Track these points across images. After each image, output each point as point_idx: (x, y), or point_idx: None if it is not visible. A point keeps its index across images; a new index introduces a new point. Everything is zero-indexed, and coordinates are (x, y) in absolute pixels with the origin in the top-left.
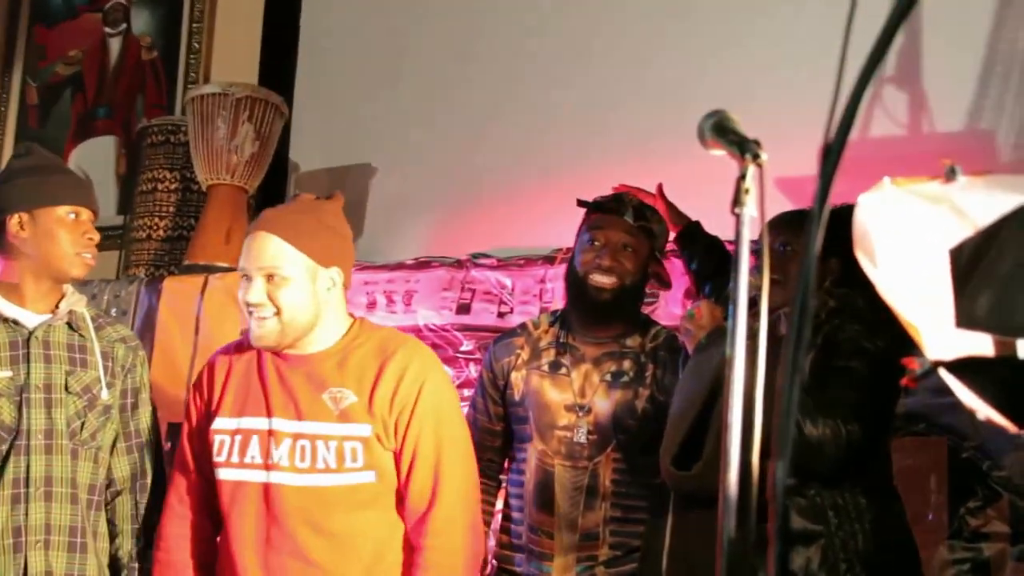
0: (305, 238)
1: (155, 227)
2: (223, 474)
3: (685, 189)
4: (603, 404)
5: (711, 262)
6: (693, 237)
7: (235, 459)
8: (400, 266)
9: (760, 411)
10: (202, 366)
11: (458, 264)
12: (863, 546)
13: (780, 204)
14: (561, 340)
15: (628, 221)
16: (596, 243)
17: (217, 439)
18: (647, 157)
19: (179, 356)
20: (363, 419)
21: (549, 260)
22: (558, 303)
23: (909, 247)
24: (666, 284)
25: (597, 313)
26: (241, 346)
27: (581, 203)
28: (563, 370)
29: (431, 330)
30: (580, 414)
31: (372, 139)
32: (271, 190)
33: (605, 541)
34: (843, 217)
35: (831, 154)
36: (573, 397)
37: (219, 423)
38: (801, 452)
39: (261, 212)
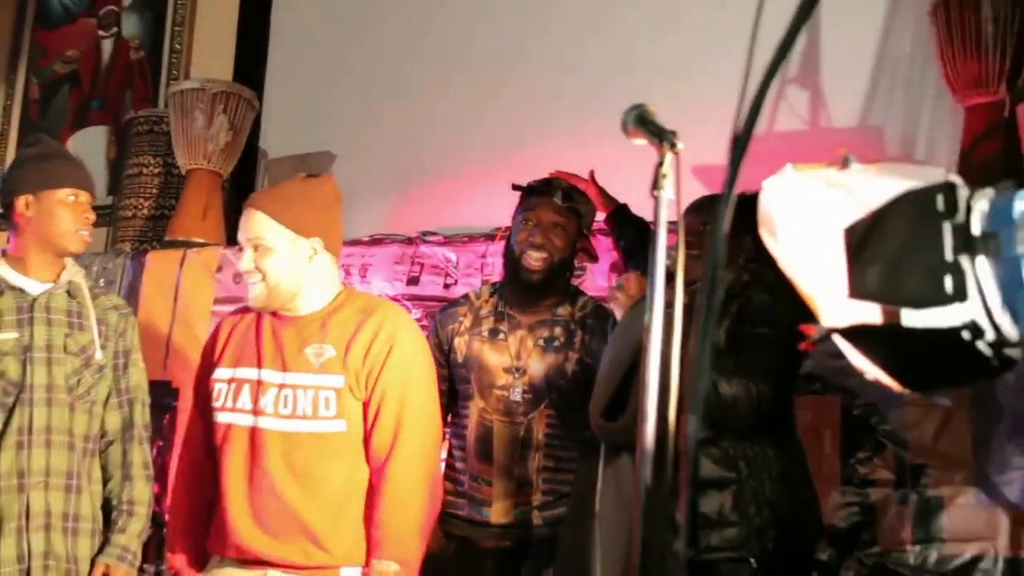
0: (286, 212)
1: (140, 207)
2: (220, 417)
3: (614, 173)
4: (537, 366)
5: (638, 240)
6: (622, 218)
7: (229, 404)
8: (357, 242)
9: (677, 372)
10: (214, 329)
11: (408, 241)
12: (770, 493)
13: (695, 188)
14: (499, 309)
15: (557, 202)
16: (529, 223)
17: (216, 387)
18: (579, 144)
19: (160, 321)
20: (338, 370)
21: (490, 237)
22: (497, 276)
23: (808, 226)
24: (593, 257)
25: (530, 289)
26: (247, 310)
27: (516, 187)
28: (501, 336)
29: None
30: (516, 375)
31: (333, 128)
32: (243, 174)
33: (538, 488)
34: (756, 201)
35: (739, 143)
36: (510, 360)
37: (218, 372)
38: (717, 409)
39: (252, 193)
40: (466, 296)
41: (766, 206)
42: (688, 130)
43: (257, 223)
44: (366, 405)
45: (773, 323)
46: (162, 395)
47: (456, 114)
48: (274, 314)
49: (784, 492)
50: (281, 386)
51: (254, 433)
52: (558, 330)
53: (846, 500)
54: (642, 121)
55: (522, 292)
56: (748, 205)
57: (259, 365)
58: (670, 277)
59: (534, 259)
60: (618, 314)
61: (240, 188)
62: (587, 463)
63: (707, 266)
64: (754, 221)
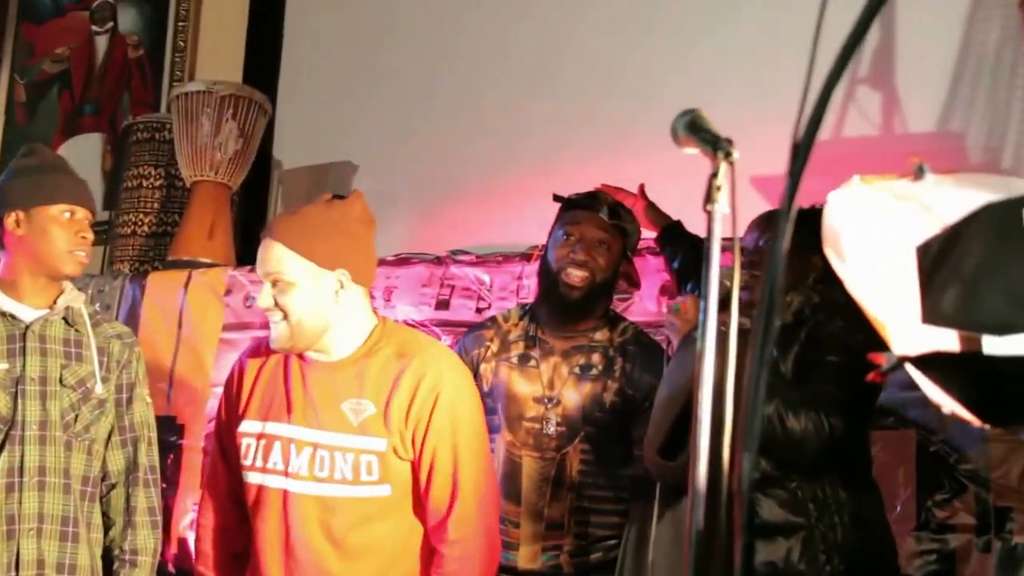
0: (306, 242)
1: (140, 223)
2: (250, 477)
3: (662, 186)
4: (572, 396)
5: (693, 260)
6: (674, 236)
7: (259, 463)
8: (380, 262)
9: (731, 405)
10: (233, 364)
11: (437, 261)
12: (842, 538)
13: (752, 201)
14: (531, 333)
15: (603, 218)
16: (571, 238)
17: (244, 442)
18: (623, 155)
19: (162, 349)
20: (380, 432)
21: (526, 257)
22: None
23: (877, 244)
24: (635, 283)
25: (568, 308)
26: (271, 348)
27: (557, 198)
28: (532, 362)
29: (410, 325)
30: (549, 406)
31: (354, 137)
32: (254, 187)
33: (570, 531)
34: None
35: (800, 152)
36: (542, 389)
37: (246, 426)
38: (784, 445)
39: (274, 217)
40: (493, 319)
41: (831, 221)
42: (745, 138)
43: (276, 256)
44: (415, 464)
45: (846, 350)
46: (166, 432)
47: (489, 123)
48: (301, 356)
49: (858, 538)
50: (316, 446)
51: (287, 497)
52: (596, 357)
53: (922, 547)
54: (694, 128)
55: (559, 312)
56: (817, 220)
57: (291, 420)
58: (726, 300)
59: (575, 276)
60: (674, 341)
61: (251, 202)
62: (640, 508)
63: (763, 288)
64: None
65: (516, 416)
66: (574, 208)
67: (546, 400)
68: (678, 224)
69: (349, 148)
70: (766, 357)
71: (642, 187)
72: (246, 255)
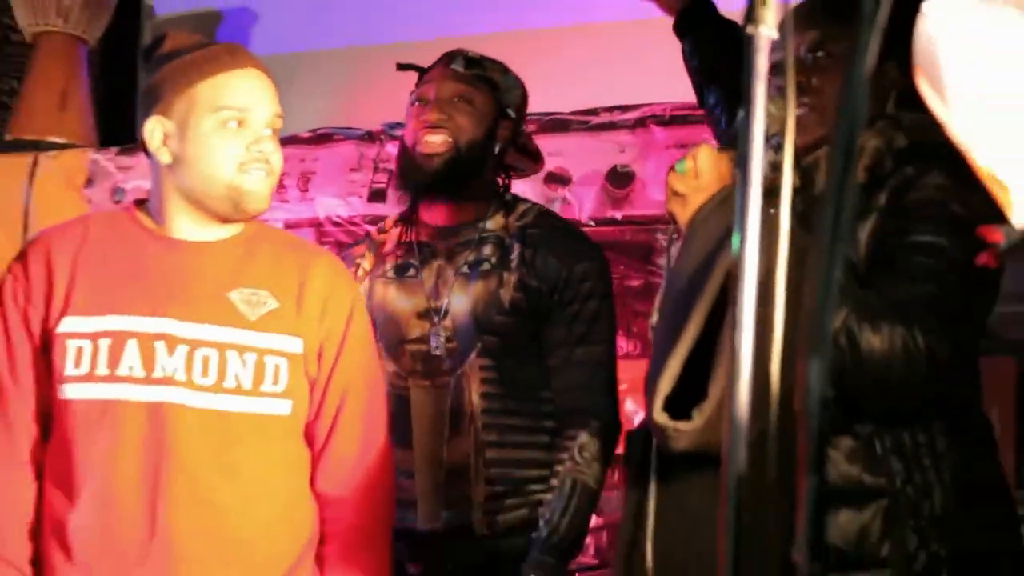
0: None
1: None
2: (81, 392)
3: None
4: (460, 301)
5: (722, 56)
6: (697, 18)
7: (102, 370)
8: (293, 140)
9: (782, 313)
10: (25, 250)
11: (369, 137)
12: (942, 508)
13: None
14: (406, 239)
15: (458, 69)
16: (422, 102)
17: (71, 345)
18: None
19: (1, 261)
20: (290, 330)
21: None
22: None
23: (995, 74)
24: (533, 155)
25: (434, 184)
26: (92, 223)
27: (402, 66)
28: (411, 272)
29: (335, 224)
30: (435, 320)
31: None
32: (118, 40)
33: (480, 477)
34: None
35: None
36: (425, 301)
37: (71, 324)
38: (856, 373)
39: (225, 45)
40: (367, 233)
41: (928, 43)
42: None
43: (273, 95)
44: (313, 384)
45: (954, 223)
46: None
47: None
48: (152, 232)
49: (965, 508)
50: (196, 343)
51: (157, 412)
52: (488, 249)
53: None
54: None
55: (426, 195)
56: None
57: (152, 311)
58: (774, 148)
59: (431, 143)
60: (680, 222)
61: (114, 60)
62: (637, 488)
63: (839, 122)
64: (904, 38)
65: (397, 340)
66: (424, 72)
67: (432, 313)
68: (703, 2)
69: None
70: (842, 228)
71: None
72: (110, 132)
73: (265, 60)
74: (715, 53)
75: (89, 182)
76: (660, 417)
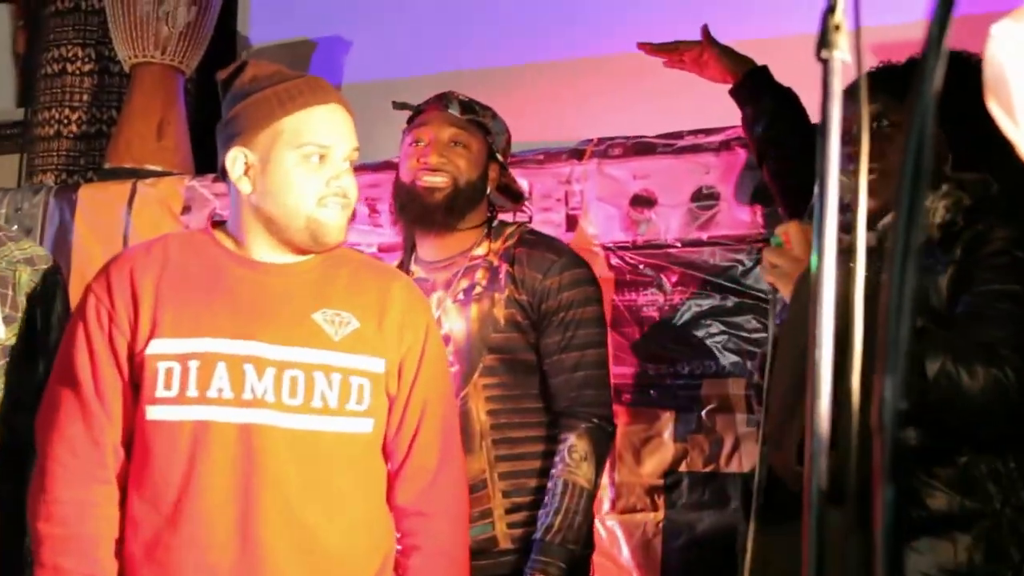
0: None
1: (65, 121)
2: (172, 414)
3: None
4: (459, 326)
5: (784, 123)
6: (759, 87)
7: (192, 392)
8: (386, 166)
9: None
10: (106, 273)
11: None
12: None
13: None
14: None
15: (454, 114)
16: (419, 144)
17: (161, 367)
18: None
19: None
20: (374, 351)
21: (576, 155)
22: (589, 207)
23: None
24: (517, 195)
25: (433, 217)
26: (172, 243)
27: (398, 105)
28: None
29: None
30: None
31: (346, 3)
32: (213, 71)
33: (496, 489)
34: (963, 68)
35: None
36: None
37: (159, 346)
38: (962, 412)
39: (306, 79)
40: None
41: (997, 64)
42: None
43: (351, 129)
44: (392, 402)
45: (1022, 272)
46: None
47: None
48: (234, 255)
49: None
50: (283, 365)
51: (248, 434)
52: (479, 274)
53: None
54: None
55: (426, 223)
56: (961, 71)
57: (240, 334)
58: (845, 210)
59: (432, 181)
60: (783, 292)
61: (212, 90)
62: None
63: (903, 173)
64: (962, 103)
65: None
66: (420, 112)
67: None
68: (763, 70)
69: (340, 18)
70: (912, 245)
71: (705, 29)
72: (207, 160)
73: (356, 88)
74: (776, 120)
75: (186, 209)
76: (791, 465)
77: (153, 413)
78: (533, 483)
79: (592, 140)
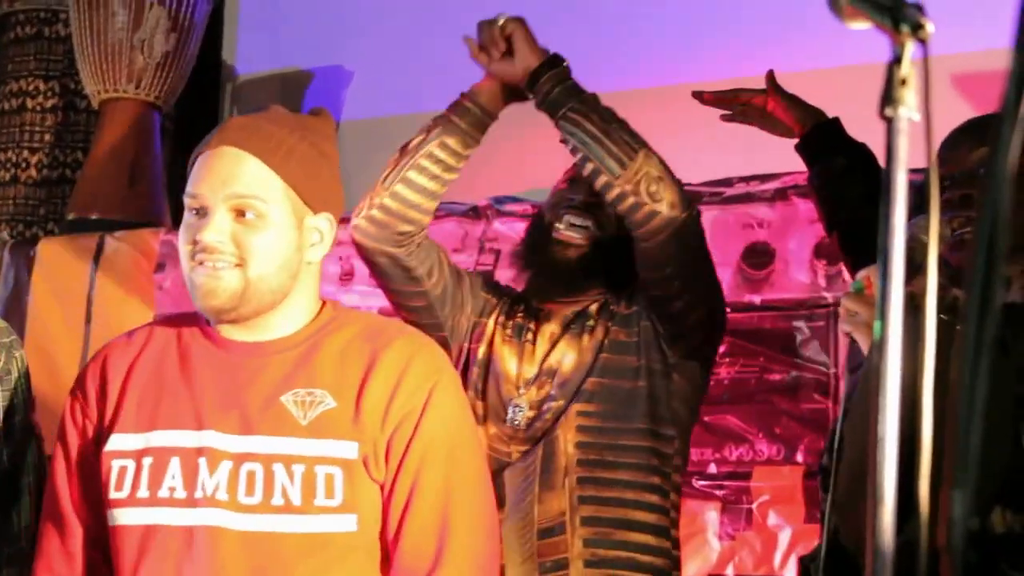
0: (294, 165)
1: (23, 164)
2: (124, 517)
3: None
4: (569, 358)
5: (855, 179)
6: (828, 141)
7: (143, 493)
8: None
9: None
10: (89, 363)
11: (475, 213)
12: None
13: (955, 107)
14: (527, 312)
15: None
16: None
17: (115, 465)
18: (752, 41)
19: (62, 354)
20: (345, 433)
21: None
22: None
23: None
24: None
25: (560, 276)
26: (159, 328)
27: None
28: (528, 335)
29: None
30: (539, 385)
31: (340, 33)
32: (195, 106)
33: (576, 536)
34: None
35: None
36: (535, 366)
37: (116, 441)
38: None
39: (224, 122)
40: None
41: None
42: (941, 7)
43: (250, 174)
44: (388, 491)
45: None
46: None
47: (537, 9)
48: (209, 335)
49: None
50: (241, 458)
51: (195, 538)
52: (593, 307)
53: None
54: None
55: (552, 280)
56: None
57: (198, 424)
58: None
59: (572, 236)
60: (862, 344)
61: (191, 127)
62: None
63: (977, 242)
64: None
65: (502, 402)
66: None
67: (542, 377)
68: (835, 122)
69: (333, 47)
70: (985, 339)
71: (771, 76)
72: (183, 213)
73: (360, 124)
74: (846, 180)
75: (160, 266)
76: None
77: (111, 518)
78: (619, 536)
79: None
